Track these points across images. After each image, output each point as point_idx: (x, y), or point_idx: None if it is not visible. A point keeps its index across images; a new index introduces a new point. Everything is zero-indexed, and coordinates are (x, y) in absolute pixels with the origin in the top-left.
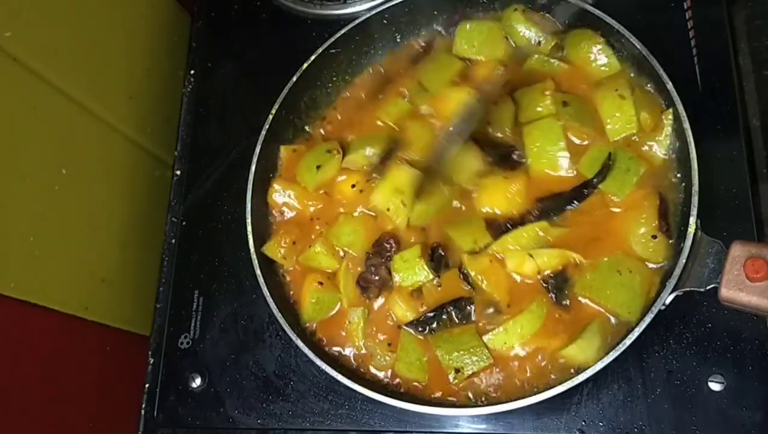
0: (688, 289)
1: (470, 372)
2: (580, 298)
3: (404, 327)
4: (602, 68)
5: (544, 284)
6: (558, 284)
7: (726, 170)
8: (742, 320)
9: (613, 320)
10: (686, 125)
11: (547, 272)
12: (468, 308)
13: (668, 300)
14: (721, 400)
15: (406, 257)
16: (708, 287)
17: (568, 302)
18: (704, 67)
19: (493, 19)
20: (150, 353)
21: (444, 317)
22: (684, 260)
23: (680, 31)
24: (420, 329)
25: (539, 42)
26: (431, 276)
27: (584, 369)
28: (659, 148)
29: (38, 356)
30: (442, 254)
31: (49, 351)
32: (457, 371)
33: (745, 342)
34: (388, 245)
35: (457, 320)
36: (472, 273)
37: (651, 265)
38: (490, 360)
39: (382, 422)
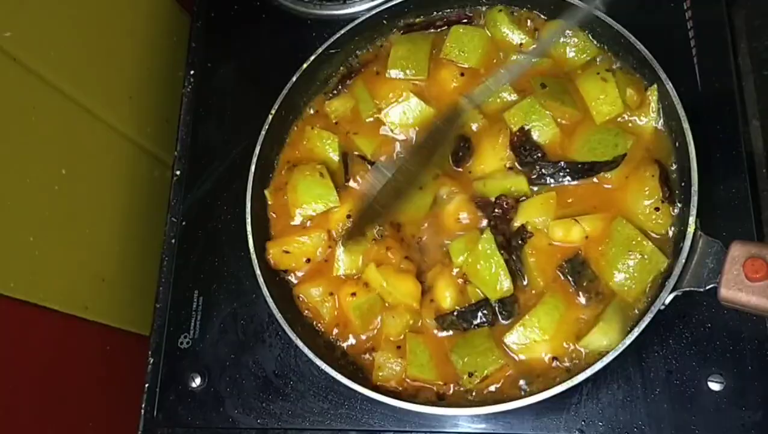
0: (687, 289)
1: (483, 375)
2: (598, 279)
3: (434, 321)
4: (580, 54)
5: (561, 271)
6: (575, 267)
7: (726, 170)
8: (741, 321)
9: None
10: (686, 125)
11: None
12: (514, 305)
13: (668, 300)
14: (721, 400)
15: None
16: (707, 287)
17: (586, 284)
18: (704, 67)
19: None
20: (150, 353)
21: (485, 311)
22: (683, 260)
23: (680, 31)
24: (462, 322)
25: (521, 43)
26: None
27: (609, 353)
28: (649, 122)
29: (38, 356)
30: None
31: (49, 351)
32: (470, 375)
33: (745, 342)
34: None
35: (500, 317)
36: (528, 250)
37: (655, 235)
38: (502, 361)
39: (382, 422)
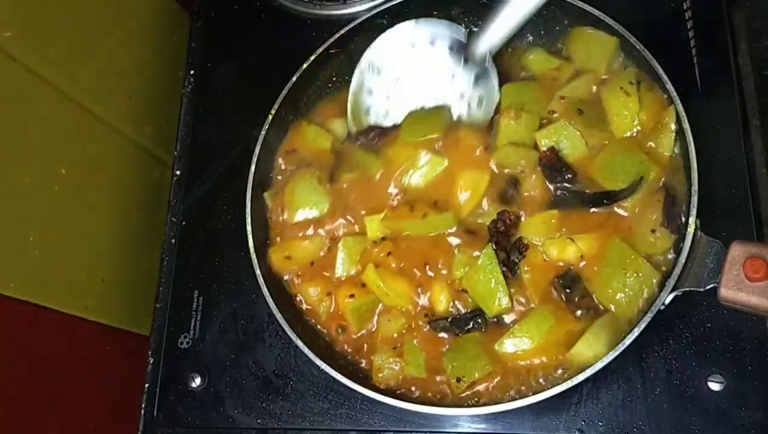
0: (687, 289)
1: (471, 381)
2: (590, 295)
3: (429, 325)
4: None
5: (554, 286)
6: (566, 283)
7: (726, 170)
8: (741, 321)
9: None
10: (686, 125)
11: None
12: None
13: (668, 300)
14: (721, 400)
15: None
16: (707, 287)
17: (578, 299)
18: (704, 67)
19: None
20: (150, 353)
21: (479, 321)
22: (683, 260)
23: (680, 31)
24: (454, 328)
25: (558, 69)
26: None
27: (609, 354)
28: (664, 145)
29: (38, 356)
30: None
31: (49, 351)
32: (458, 380)
33: (745, 342)
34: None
35: (492, 326)
36: (523, 265)
37: (655, 258)
38: (490, 367)
39: (382, 422)
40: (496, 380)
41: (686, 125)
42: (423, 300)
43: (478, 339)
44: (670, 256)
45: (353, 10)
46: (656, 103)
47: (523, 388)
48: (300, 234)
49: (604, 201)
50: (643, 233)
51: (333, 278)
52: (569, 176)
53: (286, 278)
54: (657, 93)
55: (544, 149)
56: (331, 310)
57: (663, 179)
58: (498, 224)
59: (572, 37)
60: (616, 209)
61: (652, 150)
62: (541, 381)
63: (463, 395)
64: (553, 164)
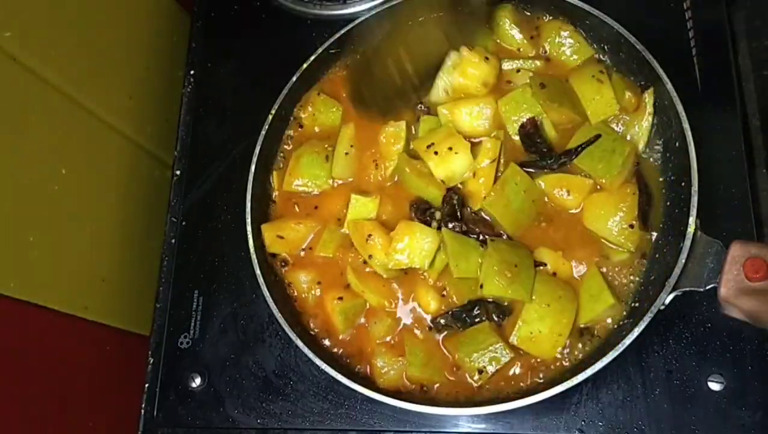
0: (687, 289)
1: (493, 371)
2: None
3: (429, 324)
4: (574, 55)
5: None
6: None
7: (726, 170)
8: (741, 320)
9: (605, 268)
10: (686, 125)
11: None
12: (509, 305)
13: (668, 300)
14: (721, 400)
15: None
16: (707, 287)
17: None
18: (704, 67)
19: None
20: (150, 353)
21: (479, 310)
22: (683, 260)
23: (680, 31)
24: (457, 322)
25: (519, 48)
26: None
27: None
28: (642, 129)
29: (38, 356)
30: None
31: (49, 351)
32: (480, 372)
33: (745, 341)
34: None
35: (496, 318)
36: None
37: (622, 252)
38: (511, 355)
39: (382, 422)
40: (517, 366)
41: (686, 125)
42: (411, 304)
43: (489, 329)
44: (637, 255)
45: (353, 10)
46: (631, 87)
47: (542, 373)
48: (296, 217)
49: (548, 161)
50: (615, 223)
51: (322, 265)
52: (544, 150)
53: (282, 268)
54: (630, 80)
55: (506, 115)
56: (316, 304)
57: (638, 165)
58: (445, 204)
59: (549, 29)
60: (598, 185)
61: (630, 133)
62: (558, 356)
63: (483, 388)
64: (531, 135)
